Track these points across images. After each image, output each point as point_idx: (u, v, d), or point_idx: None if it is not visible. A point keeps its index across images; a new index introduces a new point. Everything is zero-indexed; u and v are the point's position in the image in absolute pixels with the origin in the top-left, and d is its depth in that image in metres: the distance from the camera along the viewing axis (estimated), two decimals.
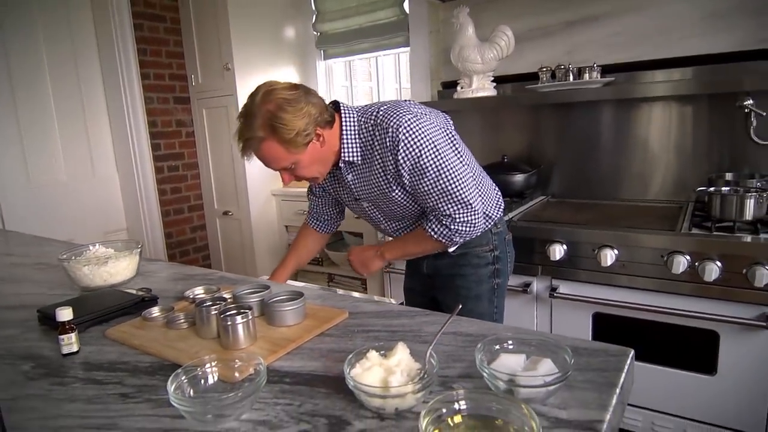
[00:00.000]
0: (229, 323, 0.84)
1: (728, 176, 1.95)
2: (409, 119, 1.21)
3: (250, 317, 0.86)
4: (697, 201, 1.98)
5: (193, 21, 3.05)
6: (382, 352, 0.72)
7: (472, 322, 0.90)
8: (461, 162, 1.28)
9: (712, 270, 1.55)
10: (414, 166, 1.21)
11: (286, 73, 3.20)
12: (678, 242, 1.62)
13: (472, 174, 1.32)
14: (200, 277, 1.34)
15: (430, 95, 2.70)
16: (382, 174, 1.27)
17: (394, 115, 1.22)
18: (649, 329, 1.72)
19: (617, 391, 0.66)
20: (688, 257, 1.60)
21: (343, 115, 1.28)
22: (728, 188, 1.78)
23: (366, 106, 1.32)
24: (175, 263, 1.58)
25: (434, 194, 1.24)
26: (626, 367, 0.72)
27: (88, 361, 0.88)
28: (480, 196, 1.33)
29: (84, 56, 2.90)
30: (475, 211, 1.26)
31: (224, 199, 3.24)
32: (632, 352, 0.75)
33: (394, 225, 1.44)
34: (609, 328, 1.79)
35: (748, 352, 1.57)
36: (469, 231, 1.28)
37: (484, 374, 0.66)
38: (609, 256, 1.71)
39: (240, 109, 1.21)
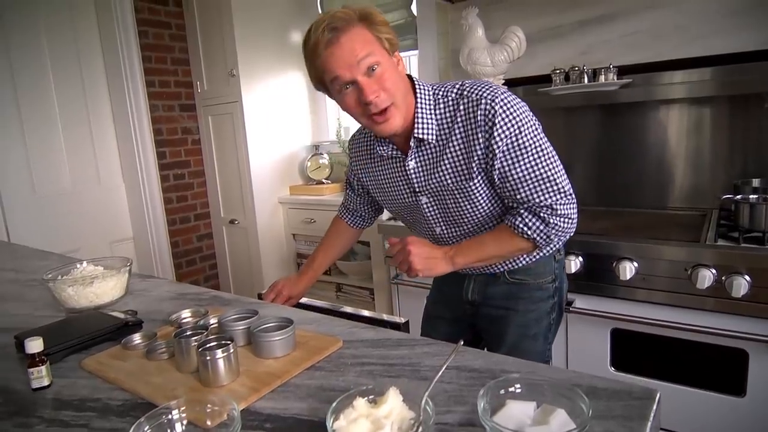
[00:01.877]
0: (208, 358, 0.76)
1: (755, 182, 1.83)
2: (504, 93, 1.04)
3: (232, 350, 0.78)
4: (721, 209, 1.86)
5: (198, 27, 3.00)
6: (371, 397, 0.63)
7: (478, 355, 0.81)
8: (555, 153, 1.09)
9: (741, 285, 1.45)
10: (512, 144, 1.02)
11: (293, 79, 3.14)
12: (703, 255, 1.51)
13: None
14: (192, 297, 1.27)
15: None
16: (462, 156, 1.07)
17: (487, 88, 1.05)
18: (673, 347, 1.61)
19: None
20: (713, 271, 1.49)
21: (417, 87, 1.10)
22: (756, 196, 1.66)
23: (438, 83, 1.14)
24: (169, 280, 1.51)
25: (531, 180, 1.04)
26: (652, 414, 0.62)
27: (59, 398, 0.81)
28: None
29: (88, 64, 2.86)
30: (575, 202, 1.07)
31: (231, 207, 3.19)
32: (658, 394, 0.66)
33: (453, 230, 1.20)
34: (629, 345, 1.69)
35: None
36: (569, 228, 1.08)
37: (487, 428, 0.57)
38: (628, 269, 1.61)
39: (311, 26, 1.03)
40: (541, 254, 1.21)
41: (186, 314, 1.06)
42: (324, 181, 3.11)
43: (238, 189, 3.09)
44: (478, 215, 1.15)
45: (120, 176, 3.06)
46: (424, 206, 1.19)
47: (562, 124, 2.26)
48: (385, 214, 2.29)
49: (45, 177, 2.71)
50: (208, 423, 0.64)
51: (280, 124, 3.09)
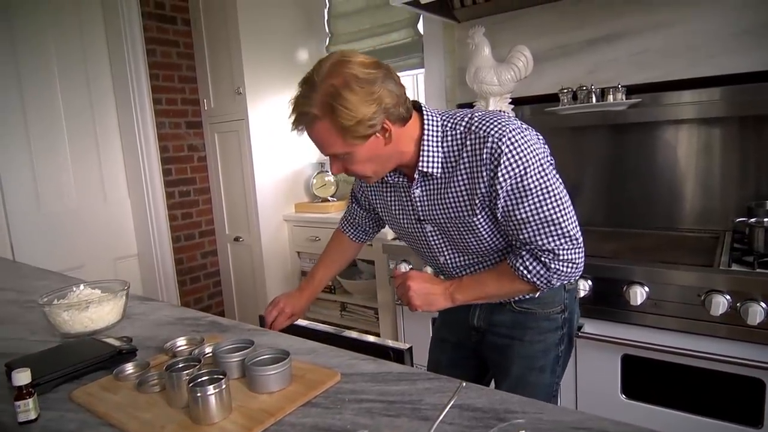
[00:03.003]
0: (198, 394, 0.73)
1: None
2: (513, 130, 1.01)
3: (224, 386, 0.75)
4: (735, 231, 1.81)
5: (205, 46, 3.02)
6: None
7: (481, 393, 0.77)
8: (564, 190, 1.06)
9: (756, 312, 1.40)
10: (516, 185, 1.00)
11: None
12: (716, 280, 1.46)
13: (573, 213, 1.10)
14: (190, 322, 1.24)
15: None
16: (465, 192, 1.06)
17: (496, 124, 1.02)
18: (686, 374, 1.56)
19: None
20: (728, 297, 1.44)
21: (426, 118, 1.08)
22: None
23: (449, 111, 1.12)
24: (168, 303, 1.49)
25: (534, 223, 1.02)
26: None
27: None
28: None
29: (96, 81, 2.88)
30: (580, 247, 1.04)
31: (235, 224, 3.17)
32: None
33: (458, 259, 1.19)
34: (641, 371, 1.63)
35: None
36: (572, 272, 1.05)
37: None
38: (639, 294, 1.56)
39: (302, 78, 1.01)
40: None
41: (181, 342, 1.03)
42: (329, 198, 3.09)
43: (243, 206, 3.07)
44: (483, 247, 1.12)
45: (126, 193, 3.06)
46: (429, 234, 1.17)
47: (570, 144, 2.22)
48: (390, 233, 2.26)
49: (51, 193, 2.71)
50: None
51: (286, 142, 3.08)
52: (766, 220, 1.61)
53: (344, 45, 3.04)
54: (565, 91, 2.07)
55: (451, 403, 0.69)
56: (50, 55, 2.67)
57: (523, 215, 1.02)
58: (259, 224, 2.99)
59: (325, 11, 3.10)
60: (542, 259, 1.03)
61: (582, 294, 1.65)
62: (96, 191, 2.92)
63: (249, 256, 3.13)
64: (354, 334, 1.31)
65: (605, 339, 1.65)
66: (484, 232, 1.09)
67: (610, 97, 1.95)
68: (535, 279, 1.04)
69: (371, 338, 1.29)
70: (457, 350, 1.33)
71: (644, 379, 1.64)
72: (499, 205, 1.03)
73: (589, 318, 1.69)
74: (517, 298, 1.18)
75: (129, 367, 0.93)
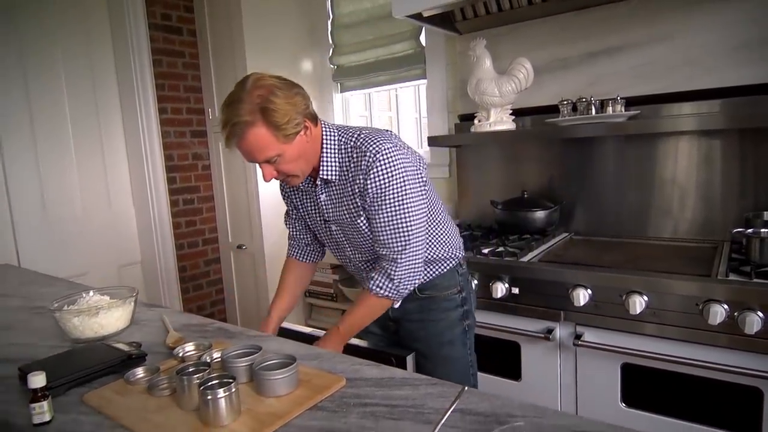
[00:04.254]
0: (209, 397, 0.76)
1: (767, 216, 1.81)
2: (388, 148, 1.20)
3: (233, 389, 0.77)
4: (733, 242, 1.84)
5: (211, 56, 3.06)
6: None
7: (483, 397, 0.80)
8: (422, 204, 1.26)
9: (754, 321, 1.41)
10: (377, 194, 1.20)
11: None
12: (714, 290, 1.49)
13: (427, 219, 1.31)
14: (196, 328, 1.27)
15: (447, 128, 2.64)
16: (351, 197, 1.25)
17: (375, 141, 1.21)
18: (685, 383, 1.57)
19: None
20: (726, 306, 1.46)
21: (324, 132, 1.26)
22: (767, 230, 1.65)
23: (347, 126, 1.30)
24: (175, 310, 1.51)
25: (387, 227, 1.22)
26: None
27: None
28: (437, 240, 1.36)
29: (103, 90, 2.92)
30: (416, 256, 1.25)
31: (238, 232, 3.20)
32: None
33: (358, 256, 1.39)
34: (640, 381, 1.65)
35: None
36: (413, 277, 1.26)
37: None
38: (638, 303, 1.58)
39: (223, 103, 1.16)
40: (441, 270, 1.39)
41: (190, 347, 1.05)
42: None
43: (246, 214, 3.10)
44: (370, 246, 1.31)
45: (131, 201, 3.09)
46: (334, 233, 1.36)
47: (570, 155, 2.25)
48: None
49: (56, 200, 2.74)
50: None
51: None
52: (762, 230, 1.64)
53: (347, 56, 3.09)
54: (565, 102, 2.10)
55: (453, 407, 0.71)
56: (57, 65, 2.72)
57: (380, 219, 1.21)
58: (262, 232, 3.02)
59: (329, 22, 3.15)
60: (387, 271, 1.23)
61: (582, 302, 1.68)
62: (101, 198, 2.95)
63: (252, 264, 3.15)
64: (356, 341, 1.34)
65: (605, 348, 1.66)
66: (366, 233, 1.28)
67: (610, 109, 1.98)
68: (385, 293, 1.24)
69: (375, 346, 1.32)
70: (381, 339, 1.50)
71: (644, 387, 1.66)
72: (367, 208, 1.22)
73: (588, 326, 1.71)
74: (419, 287, 1.37)
75: (139, 372, 0.96)
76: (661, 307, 1.57)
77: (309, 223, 1.45)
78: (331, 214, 1.33)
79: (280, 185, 1.47)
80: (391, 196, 1.20)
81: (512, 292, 1.84)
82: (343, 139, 1.26)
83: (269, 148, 1.14)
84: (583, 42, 2.18)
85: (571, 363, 1.76)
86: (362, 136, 1.24)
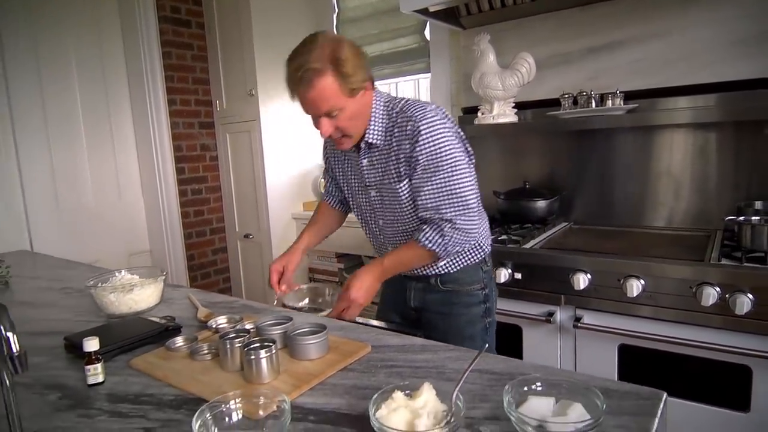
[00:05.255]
0: (252, 357, 0.84)
1: (758, 205, 1.90)
2: (432, 115, 1.24)
3: (274, 351, 0.85)
4: (725, 230, 1.93)
5: (219, 48, 3.13)
6: (407, 392, 0.71)
7: (498, 360, 0.88)
8: (471, 170, 1.29)
9: (744, 303, 1.50)
10: (429, 161, 1.22)
11: None
12: (707, 273, 1.57)
13: (477, 190, 1.33)
14: (223, 305, 1.35)
15: None
16: (395, 163, 1.28)
17: (419, 108, 1.25)
18: (679, 363, 1.66)
19: None
20: (718, 289, 1.55)
21: (374, 95, 1.29)
22: (758, 218, 1.73)
23: (393, 96, 1.33)
24: (198, 289, 1.59)
25: (440, 193, 1.24)
26: (659, 411, 0.69)
27: (114, 393, 0.88)
28: (479, 214, 1.34)
29: (113, 83, 2.99)
30: (473, 219, 1.27)
31: (245, 222, 3.27)
32: (665, 395, 0.73)
33: (390, 225, 1.40)
34: (636, 361, 1.74)
35: None
36: (464, 240, 1.28)
37: (512, 418, 0.64)
38: (635, 287, 1.67)
39: (290, 56, 1.19)
40: (466, 263, 1.40)
41: (222, 320, 1.13)
42: None
43: (253, 204, 3.18)
44: (404, 213, 1.34)
45: (140, 191, 3.17)
46: (373, 199, 1.38)
47: (571, 146, 2.34)
48: None
49: (68, 190, 2.82)
50: (261, 413, 0.72)
51: (296, 143, 3.19)
52: (753, 218, 1.73)
53: None
54: (566, 96, 2.18)
55: (471, 367, 0.79)
56: (69, 57, 2.78)
57: (433, 185, 1.24)
58: (269, 222, 3.10)
59: (334, 16, 3.21)
60: (441, 228, 1.24)
61: (582, 286, 1.76)
62: (111, 189, 3.02)
63: (258, 253, 3.23)
64: (374, 322, 1.42)
65: (603, 329, 1.75)
66: (404, 199, 1.31)
67: (609, 103, 2.06)
68: (433, 247, 1.25)
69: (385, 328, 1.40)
70: (400, 328, 1.50)
71: (640, 367, 1.75)
72: (416, 176, 1.25)
73: (588, 309, 1.80)
74: (442, 279, 1.40)
75: (179, 340, 1.04)
76: (657, 291, 1.66)
77: (346, 191, 1.49)
78: (372, 179, 1.35)
79: (324, 151, 1.54)
80: (444, 160, 1.22)
81: (515, 277, 1.92)
82: (389, 105, 1.29)
83: (334, 99, 1.16)
84: (583, 38, 2.26)
85: (571, 345, 1.85)
86: (408, 103, 1.28)
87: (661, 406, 0.70)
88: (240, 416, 0.72)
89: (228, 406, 0.71)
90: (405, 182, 1.28)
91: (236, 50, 3.04)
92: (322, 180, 1.61)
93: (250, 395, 0.73)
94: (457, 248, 1.30)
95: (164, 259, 3.15)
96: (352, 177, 1.42)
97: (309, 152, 3.29)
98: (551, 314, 1.85)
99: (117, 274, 1.36)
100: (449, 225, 1.24)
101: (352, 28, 3.13)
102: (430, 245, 1.25)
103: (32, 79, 2.64)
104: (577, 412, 0.63)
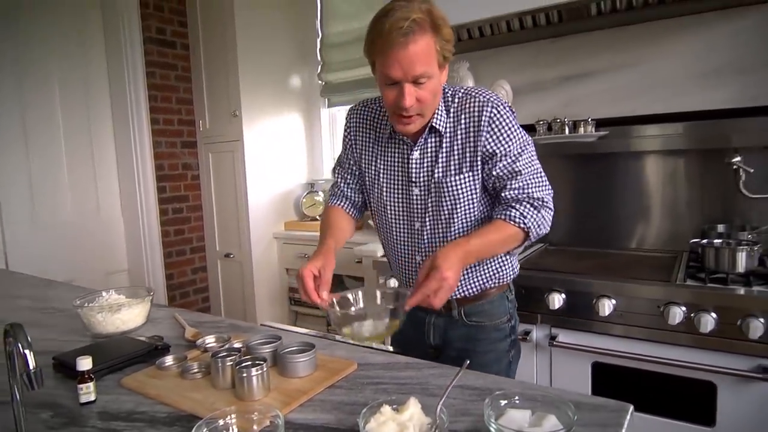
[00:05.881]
0: (244, 375, 0.87)
1: (720, 228, 2.01)
2: (505, 102, 1.18)
3: (265, 369, 0.89)
4: (691, 252, 2.03)
5: (203, 69, 3.17)
6: (394, 406, 0.75)
7: (479, 376, 0.94)
8: None
9: (707, 321, 1.59)
10: (514, 142, 1.16)
11: (292, 120, 3.31)
12: (673, 293, 1.66)
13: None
14: (210, 325, 1.37)
15: None
16: (458, 151, 1.18)
17: (491, 94, 1.19)
18: (648, 379, 1.74)
19: None
20: (683, 308, 1.64)
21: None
22: (721, 241, 1.84)
23: (447, 84, 1.24)
24: (183, 309, 1.61)
25: (529, 174, 1.18)
26: (626, 422, 0.75)
27: (106, 411, 0.90)
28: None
29: (96, 101, 3.01)
30: (552, 205, 1.21)
31: (226, 241, 3.28)
32: (631, 407, 0.79)
33: (431, 227, 1.25)
34: (608, 377, 1.81)
35: (745, 403, 1.59)
36: (549, 222, 1.20)
37: (492, 429, 0.69)
38: (607, 306, 1.75)
39: (381, 12, 1.07)
40: (495, 287, 1.29)
41: (210, 339, 1.16)
42: (318, 217, 3.23)
43: (234, 224, 3.20)
44: (456, 213, 1.22)
45: (119, 209, 3.16)
46: (414, 198, 1.25)
47: (546, 172, 2.40)
48: (380, 249, 2.41)
49: (46, 207, 2.80)
50: (255, 428, 0.75)
51: (278, 163, 3.24)
52: (716, 241, 1.83)
53: (335, 73, 3.23)
54: (541, 122, 2.28)
55: (453, 383, 0.84)
56: (52, 73, 2.80)
57: (522, 168, 1.17)
58: (251, 241, 3.12)
59: (318, 40, 3.29)
60: (535, 205, 1.16)
61: (557, 306, 1.83)
62: (90, 206, 3.01)
63: (239, 272, 3.24)
64: (340, 338, 1.37)
65: (577, 348, 1.82)
66: (461, 195, 1.20)
67: (581, 129, 2.17)
68: (530, 223, 1.14)
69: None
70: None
71: (612, 383, 1.82)
72: (503, 162, 1.16)
73: (562, 328, 1.87)
74: (467, 310, 1.28)
75: (169, 359, 1.06)
76: (628, 310, 1.74)
77: (377, 192, 1.31)
78: (419, 175, 1.23)
79: (349, 149, 1.36)
80: (528, 144, 1.19)
81: None
82: (450, 91, 1.21)
83: (431, 62, 1.06)
84: (558, 66, 2.37)
85: (547, 362, 1.91)
86: (472, 88, 1.21)
87: (628, 417, 0.76)
88: (235, 431, 0.75)
89: (224, 421, 0.74)
90: (467, 174, 1.19)
91: (220, 71, 3.09)
92: (337, 180, 1.40)
93: (244, 411, 0.77)
94: (544, 231, 1.20)
95: (142, 279, 3.13)
96: (393, 172, 1.27)
97: (291, 172, 3.34)
98: (527, 333, 1.91)
99: (104, 293, 1.38)
100: (540, 202, 1.17)
101: (336, 52, 3.21)
102: (526, 221, 1.14)
103: (13, 95, 2.65)
104: (551, 423, 0.69)
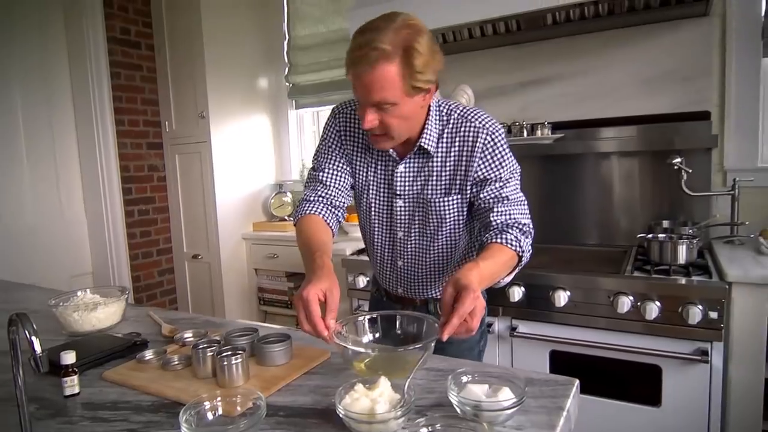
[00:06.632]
0: (225, 363, 0.93)
1: (665, 224, 2.17)
2: (499, 128, 1.19)
3: (245, 357, 0.95)
4: (639, 246, 2.18)
5: (169, 70, 3.17)
6: (367, 385, 0.83)
7: (443, 359, 1.02)
8: None
9: (653, 309, 1.73)
10: (507, 172, 1.18)
11: (259, 121, 3.34)
12: (622, 284, 1.79)
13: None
14: (185, 321, 1.41)
15: None
16: (448, 172, 1.19)
17: (487, 119, 1.19)
18: (601, 365, 1.87)
19: (564, 413, 0.79)
20: (631, 297, 1.77)
21: (431, 103, 1.17)
22: (664, 235, 1.99)
23: (443, 99, 1.24)
24: (158, 308, 1.64)
25: (515, 203, 1.19)
26: (572, 394, 0.85)
27: (91, 401, 0.95)
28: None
29: (58, 102, 2.97)
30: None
31: (194, 242, 3.29)
32: (577, 381, 0.89)
33: (412, 238, 1.27)
34: (565, 365, 1.93)
35: (688, 384, 1.73)
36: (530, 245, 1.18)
37: (453, 401, 0.78)
38: (562, 298, 1.87)
39: (361, 29, 1.05)
40: None
41: (188, 335, 1.21)
42: (286, 218, 3.28)
43: (202, 225, 3.20)
44: (441, 229, 1.25)
45: (83, 211, 3.13)
46: (397, 209, 1.26)
47: None
48: (348, 248, 2.48)
49: (8, 209, 2.75)
50: (238, 409, 0.81)
51: (246, 164, 3.27)
52: (660, 236, 1.98)
53: (303, 75, 3.28)
54: (501, 125, 2.39)
55: (418, 365, 0.92)
56: (11, 74, 2.75)
57: (509, 194, 1.18)
58: (219, 242, 3.13)
59: (285, 43, 3.34)
60: (523, 230, 1.16)
61: (516, 298, 1.94)
62: (53, 209, 2.98)
63: (207, 273, 3.25)
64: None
65: (536, 337, 1.94)
66: (448, 215, 1.22)
67: (539, 132, 2.30)
68: (524, 248, 1.13)
69: None
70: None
71: (569, 370, 1.92)
72: (493, 185, 1.17)
73: (522, 320, 1.98)
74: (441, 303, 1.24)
75: (149, 353, 1.11)
76: (582, 300, 1.87)
77: (364, 200, 1.30)
78: (404, 189, 1.23)
79: (334, 151, 1.30)
80: (516, 171, 1.20)
81: None
82: (445, 109, 1.19)
83: (391, 91, 1.02)
84: (516, 72, 2.50)
85: (508, 351, 2.02)
86: (469, 110, 1.19)
87: (574, 389, 0.86)
88: (219, 413, 0.81)
89: (210, 403, 0.80)
90: (456, 197, 1.20)
91: (187, 72, 3.09)
92: (319, 182, 1.30)
93: (227, 395, 0.83)
94: (528, 257, 1.19)
95: (107, 281, 3.11)
96: (377, 182, 1.27)
97: (259, 173, 3.37)
98: (490, 325, 2.01)
99: (79, 293, 1.40)
100: (527, 228, 1.17)
101: (303, 55, 3.26)
102: (521, 245, 1.13)
103: None
104: (506, 394, 0.78)
